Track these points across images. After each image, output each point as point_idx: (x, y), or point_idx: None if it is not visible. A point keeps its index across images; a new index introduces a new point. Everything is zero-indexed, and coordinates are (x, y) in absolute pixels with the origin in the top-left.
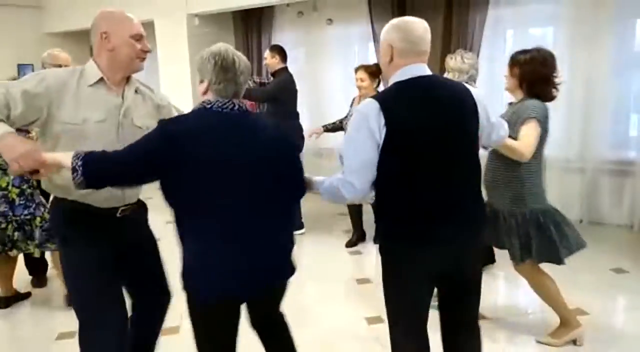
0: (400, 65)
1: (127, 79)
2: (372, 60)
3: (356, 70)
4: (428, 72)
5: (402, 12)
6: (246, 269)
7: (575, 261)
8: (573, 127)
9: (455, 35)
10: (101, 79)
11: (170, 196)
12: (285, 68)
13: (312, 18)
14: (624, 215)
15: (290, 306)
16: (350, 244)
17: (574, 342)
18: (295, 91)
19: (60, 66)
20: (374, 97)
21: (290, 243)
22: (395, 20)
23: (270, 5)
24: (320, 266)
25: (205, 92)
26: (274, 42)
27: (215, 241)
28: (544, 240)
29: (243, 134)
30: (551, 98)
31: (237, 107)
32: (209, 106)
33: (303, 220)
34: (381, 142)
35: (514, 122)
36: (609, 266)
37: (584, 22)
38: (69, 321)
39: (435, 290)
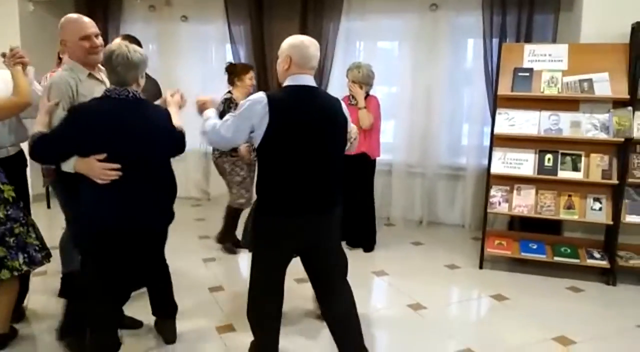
0: (295, 73)
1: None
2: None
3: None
4: (313, 83)
5: (259, 16)
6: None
7: (414, 258)
8: (415, 134)
9: None
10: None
11: None
12: None
13: (165, 13)
14: (456, 216)
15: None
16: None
17: None
18: None
19: None
20: (265, 91)
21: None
22: (297, 40)
23: None
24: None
25: None
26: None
27: None
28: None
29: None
30: None
31: (131, 94)
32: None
33: None
34: (262, 130)
35: None
36: (443, 263)
37: (424, 39)
38: None
39: None
